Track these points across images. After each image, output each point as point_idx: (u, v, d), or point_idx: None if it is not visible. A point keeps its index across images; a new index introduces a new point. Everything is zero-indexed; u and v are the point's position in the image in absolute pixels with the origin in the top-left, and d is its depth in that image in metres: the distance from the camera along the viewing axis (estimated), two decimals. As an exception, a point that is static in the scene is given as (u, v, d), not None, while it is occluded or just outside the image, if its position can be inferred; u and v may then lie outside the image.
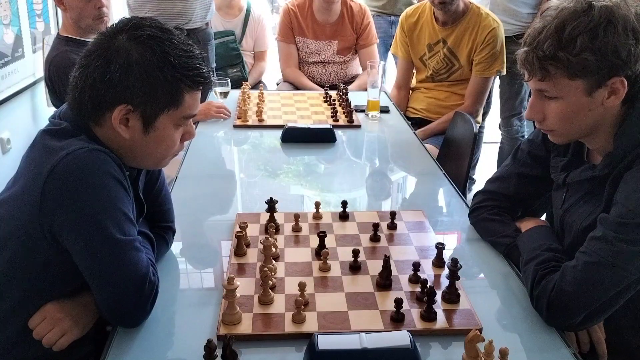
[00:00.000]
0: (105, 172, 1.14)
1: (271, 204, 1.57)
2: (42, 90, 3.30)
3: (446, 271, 1.33)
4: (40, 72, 3.22)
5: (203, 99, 2.82)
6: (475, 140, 2.35)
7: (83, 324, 1.22)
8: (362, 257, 1.42)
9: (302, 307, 1.21)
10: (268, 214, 1.57)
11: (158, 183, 1.44)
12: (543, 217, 1.58)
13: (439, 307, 1.24)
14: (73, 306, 1.22)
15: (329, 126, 2.39)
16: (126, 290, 1.16)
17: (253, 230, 1.55)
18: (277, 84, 3.67)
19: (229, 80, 2.68)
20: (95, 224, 1.12)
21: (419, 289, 1.28)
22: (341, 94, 2.78)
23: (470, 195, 2.70)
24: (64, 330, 1.19)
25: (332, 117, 2.58)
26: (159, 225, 1.44)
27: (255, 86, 3.56)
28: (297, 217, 1.58)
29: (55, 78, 2.25)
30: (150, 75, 1.15)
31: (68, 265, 1.17)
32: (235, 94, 2.79)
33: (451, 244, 1.61)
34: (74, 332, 1.20)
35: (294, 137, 2.32)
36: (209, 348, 1.04)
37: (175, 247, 1.51)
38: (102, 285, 1.17)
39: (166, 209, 1.47)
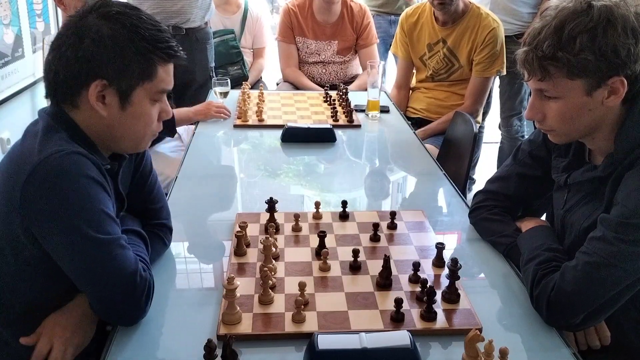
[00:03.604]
0: (82, 174, 1.13)
1: (271, 204, 1.57)
2: (42, 90, 3.29)
3: (446, 271, 1.33)
4: (40, 72, 3.22)
5: (203, 99, 2.82)
6: (475, 140, 2.35)
7: (83, 331, 1.21)
8: (362, 257, 1.42)
9: (302, 307, 1.21)
10: (268, 214, 1.57)
11: (149, 181, 1.43)
12: (543, 217, 1.58)
13: (439, 307, 1.24)
14: (68, 317, 1.20)
15: (329, 126, 2.39)
16: (115, 289, 1.15)
17: (253, 230, 1.55)
18: (277, 84, 3.67)
19: (228, 80, 2.68)
20: (75, 227, 1.11)
21: (419, 289, 1.28)
22: (341, 94, 2.78)
23: (470, 195, 2.70)
24: (64, 343, 1.17)
25: (332, 117, 2.58)
26: (154, 223, 1.43)
27: (255, 85, 3.56)
28: (297, 217, 1.58)
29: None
30: (122, 48, 1.17)
31: (58, 265, 1.16)
32: (235, 93, 2.78)
33: (451, 244, 1.60)
34: (74, 341, 1.19)
35: (294, 137, 2.32)
36: (209, 348, 1.04)
37: (175, 246, 1.51)
38: (91, 287, 1.16)
39: (159, 207, 1.46)
